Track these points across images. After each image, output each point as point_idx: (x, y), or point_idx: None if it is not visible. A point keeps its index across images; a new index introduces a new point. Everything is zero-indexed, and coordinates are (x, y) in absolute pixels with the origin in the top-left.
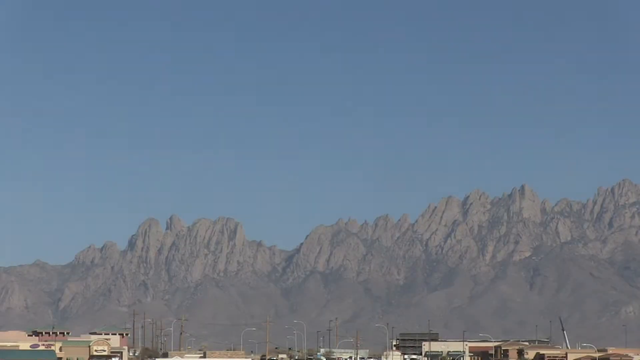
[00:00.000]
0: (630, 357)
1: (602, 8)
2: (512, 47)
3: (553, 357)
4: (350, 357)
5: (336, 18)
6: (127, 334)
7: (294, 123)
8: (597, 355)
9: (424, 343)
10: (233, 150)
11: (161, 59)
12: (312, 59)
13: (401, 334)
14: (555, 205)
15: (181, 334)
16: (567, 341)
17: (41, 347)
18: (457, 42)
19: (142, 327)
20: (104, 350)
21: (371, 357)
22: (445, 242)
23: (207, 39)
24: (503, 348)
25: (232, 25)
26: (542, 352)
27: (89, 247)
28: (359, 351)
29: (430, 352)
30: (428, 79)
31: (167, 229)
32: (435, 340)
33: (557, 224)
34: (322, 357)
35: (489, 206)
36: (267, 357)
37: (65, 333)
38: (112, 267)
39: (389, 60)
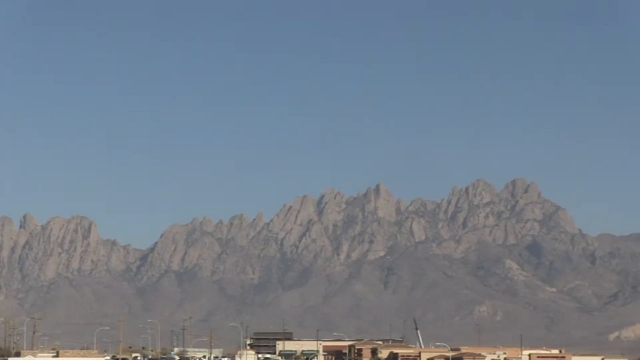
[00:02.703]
0: (483, 356)
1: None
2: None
3: (406, 356)
4: (204, 356)
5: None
6: None
7: (147, 120)
8: (450, 354)
9: (278, 342)
10: (87, 148)
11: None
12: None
13: (255, 333)
14: (410, 204)
15: (34, 333)
16: (421, 340)
17: None
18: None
19: None
20: None
21: (225, 357)
22: (300, 241)
23: None
24: (357, 347)
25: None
26: (395, 351)
27: None
28: (213, 350)
29: (284, 351)
30: (286, 73)
31: (20, 227)
32: (290, 339)
33: (412, 223)
34: (175, 356)
35: (344, 205)
36: (121, 357)
37: None
38: None
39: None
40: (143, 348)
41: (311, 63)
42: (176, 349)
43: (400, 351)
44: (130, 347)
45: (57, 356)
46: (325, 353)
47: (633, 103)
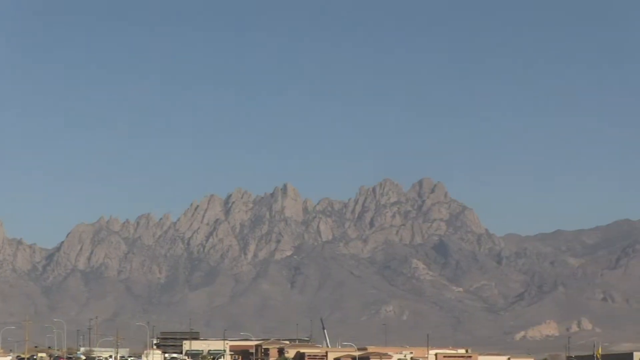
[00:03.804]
0: (389, 355)
1: None
2: None
3: (313, 355)
4: (111, 356)
5: None
6: None
7: (54, 119)
8: (357, 353)
9: (184, 342)
10: None
11: None
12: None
13: (162, 333)
14: (317, 204)
15: None
16: (328, 340)
17: None
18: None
19: None
20: None
21: (132, 356)
22: (207, 240)
23: None
24: (264, 347)
25: None
26: (302, 350)
27: None
28: (120, 350)
29: (191, 350)
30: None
31: None
32: (196, 339)
33: (319, 223)
34: (81, 356)
35: (251, 205)
36: (26, 356)
37: None
38: None
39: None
40: (49, 347)
41: (225, 64)
42: (82, 349)
43: (307, 351)
44: (36, 347)
45: None
46: (232, 353)
47: (538, 103)
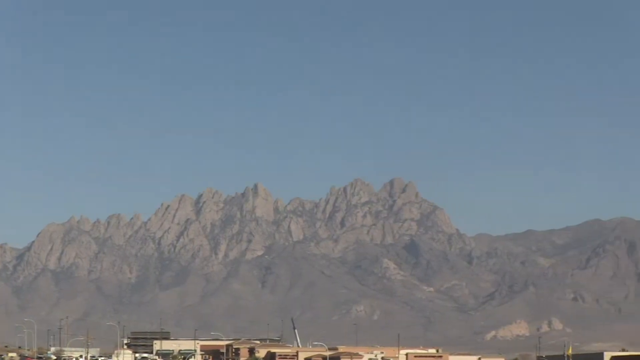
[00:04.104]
0: (360, 355)
1: None
2: None
3: (284, 355)
4: (81, 356)
5: None
6: None
7: (20, 118)
8: (327, 353)
9: (155, 342)
10: None
11: None
12: None
13: (133, 333)
14: (288, 204)
15: None
16: (299, 340)
17: None
18: None
19: None
20: None
21: (102, 356)
22: (177, 240)
23: None
24: (234, 347)
25: None
26: (273, 350)
27: None
28: (90, 350)
29: (162, 350)
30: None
31: None
32: (167, 339)
33: (290, 223)
34: (52, 356)
35: (222, 205)
36: None
37: None
38: None
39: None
40: (19, 347)
41: (193, 64)
42: (53, 349)
43: (277, 350)
44: (6, 347)
45: None
46: (203, 352)
47: (508, 104)
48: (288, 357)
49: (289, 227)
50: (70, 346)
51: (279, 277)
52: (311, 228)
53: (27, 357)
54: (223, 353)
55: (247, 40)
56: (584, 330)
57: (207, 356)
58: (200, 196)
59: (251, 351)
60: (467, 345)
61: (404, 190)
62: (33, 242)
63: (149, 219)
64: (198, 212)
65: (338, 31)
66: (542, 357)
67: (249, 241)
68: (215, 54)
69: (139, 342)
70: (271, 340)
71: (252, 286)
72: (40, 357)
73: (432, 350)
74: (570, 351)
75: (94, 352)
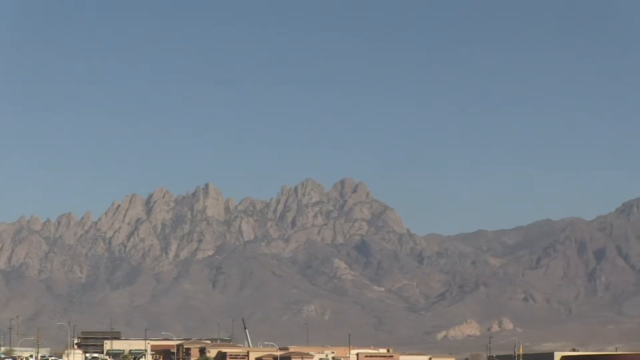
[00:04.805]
0: (311, 355)
1: None
2: None
3: (235, 355)
4: (31, 356)
5: None
6: None
7: None
8: (278, 353)
9: (105, 342)
10: None
11: None
12: None
13: (83, 333)
14: (239, 203)
15: None
16: (249, 339)
17: None
18: None
19: None
20: None
21: (53, 356)
22: (128, 240)
23: None
24: (185, 346)
25: None
26: (224, 350)
27: None
28: (40, 350)
29: (112, 350)
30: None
31: None
32: (118, 338)
33: (241, 222)
34: (2, 355)
35: (172, 204)
36: None
37: None
38: None
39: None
40: None
41: (133, 63)
42: (3, 348)
43: (228, 350)
44: None
45: None
46: (154, 352)
47: (459, 104)
48: (239, 357)
49: (239, 227)
50: (21, 346)
51: (230, 277)
52: (262, 228)
53: None
54: (174, 353)
55: (195, 35)
56: (535, 330)
57: (157, 356)
58: (150, 196)
59: (202, 351)
60: (418, 345)
61: (354, 190)
62: None
63: (100, 219)
64: (149, 211)
65: (295, 25)
66: (492, 357)
67: (200, 241)
68: (166, 50)
69: (90, 342)
70: (222, 340)
71: (203, 286)
72: None
73: (383, 350)
74: (520, 351)
75: (44, 352)
